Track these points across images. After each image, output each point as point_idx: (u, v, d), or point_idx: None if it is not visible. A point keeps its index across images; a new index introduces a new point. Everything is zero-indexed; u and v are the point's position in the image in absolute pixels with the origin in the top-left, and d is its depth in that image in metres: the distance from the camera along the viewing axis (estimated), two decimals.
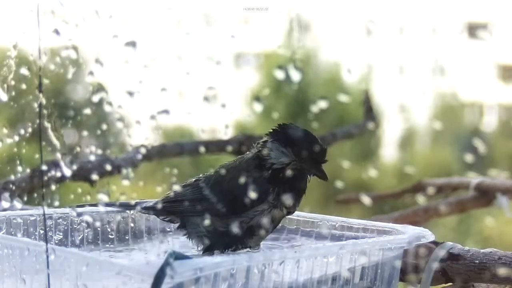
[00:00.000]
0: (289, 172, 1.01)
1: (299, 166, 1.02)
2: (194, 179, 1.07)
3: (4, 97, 0.94)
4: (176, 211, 1.05)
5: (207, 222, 1.00)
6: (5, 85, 0.93)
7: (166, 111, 0.86)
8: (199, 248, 1.04)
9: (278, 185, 1.02)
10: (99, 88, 0.87)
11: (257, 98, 0.90)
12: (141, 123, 0.89)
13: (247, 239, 1.02)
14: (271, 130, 1.04)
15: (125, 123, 0.88)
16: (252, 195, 0.99)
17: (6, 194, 1.02)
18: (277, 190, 1.02)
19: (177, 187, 1.05)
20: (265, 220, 1.01)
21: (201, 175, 1.07)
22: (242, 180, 1.00)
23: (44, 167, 0.89)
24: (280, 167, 1.02)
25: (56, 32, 0.85)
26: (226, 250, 1.02)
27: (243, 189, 0.99)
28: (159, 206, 1.05)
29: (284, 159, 1.02)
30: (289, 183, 1.02)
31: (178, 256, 0.79)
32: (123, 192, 1.03)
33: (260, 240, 1.05)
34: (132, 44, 0.85)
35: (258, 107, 0.89)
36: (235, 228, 1.00)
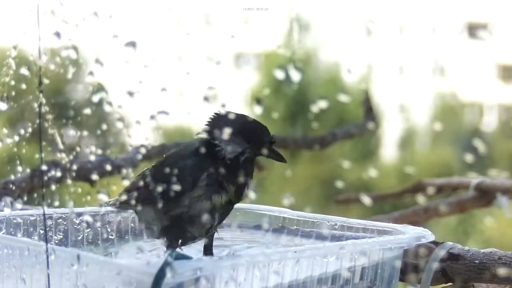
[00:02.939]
0: (244, 160, 0.98)
1: (253, 152, 0.99)
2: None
3: (4, 107, 0.94)
4: (126, 203, 1.01)
5: (149, 213, 0.98)
6: (5, 95, 0.93)
7: (164, 112, 0.86)
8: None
9: (215, 169, 0.97)
10: (99, 88, 0.87)
11: (257, 101, 0.89)
12: (141, 123, 0.89)
13: (197, 230, 0.99)
14: (210, 120, 1.00)
15: (125, 123, 0.88)
16: (182, 180, 0.94)
17: (8, 199, 1.02)
18: (214, 174, 0.97)
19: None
20: (205, 207, 0.97)
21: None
22: (175, 165, 0.95)
23: (44, 167, 0.89)
24: (234, 156, 0.98)
25: (57, 35, 0.85)
26: (183, 245, 0.99)
27: (176, 175, 0.93)
28: (121, 198, 1.02)
29: (237, 148, 0.98)
30: (230, 167, 0.98)
31: (178, 256, 0.79)
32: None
33: (212, 231, 1.02)
34: (132, 44, 0.85)
35: (258, 110, 0.89)
36: (177, 219, 0.97)
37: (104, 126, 0.91)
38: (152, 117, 0.86)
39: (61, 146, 0.91)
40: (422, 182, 2.11)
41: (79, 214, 1.08)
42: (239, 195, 1.00)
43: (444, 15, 8.34)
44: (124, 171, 1.54)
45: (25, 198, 1.28)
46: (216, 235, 1.05)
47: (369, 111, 2.55)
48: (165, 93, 0.89)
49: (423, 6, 8.29)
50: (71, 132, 0.94)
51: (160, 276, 0.77)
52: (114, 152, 1.53)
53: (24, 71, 0.91)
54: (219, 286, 0.84)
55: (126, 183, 1.03)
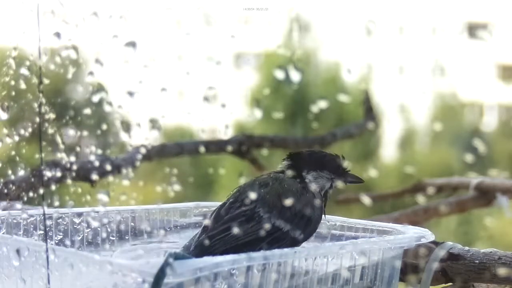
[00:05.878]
0: (332, 190, 1.08)
1: (335, 183, 1.08)
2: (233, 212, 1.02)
3: (4, 116, 0.94)
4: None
5: None
6: (5, 104, 0.93)
7: (161, 116, 0.86)
8: None
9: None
10: (99, 88, 0.87)
11: (257, 103, 0.90)
12: (140, 124, 0.89)
13: None
14: (293, 161, 1.07)
15: (125, 123, 0.88)
16: (318, 215, 1.04)
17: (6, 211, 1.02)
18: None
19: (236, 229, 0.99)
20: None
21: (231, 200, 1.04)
22: (307, 202, 1.03)
23: (44, 167, 0.89)
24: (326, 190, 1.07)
25: (57, 35, 0.85)
26: None
27: (312, 212, 1.03)
28: (208, 244, 0.99)
29: (326, 183, 1.07)
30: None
31: (178, 256, 0.79)
32: (123, 192, 1.03)
33: None
34: (132, 44, 0.85)
35: (258, 113, 0.89)
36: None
37: (104, 126, 0.91)
38: (154, 124, 0.86)
39: (61, 146, 0.91)
40: (422, 182, 2.10)
41: (79, 214, 1.08)
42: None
43: (444, 15, 8.34)
44: (124, 171, 1.54)
45: (25, 198, 1.28)
46: None
47: (369, 111, 2.55)
48: (165, 93, 0.89)
49: (423, 6, 8.29)
50: (71, 132, 0.94)
51: (160, 276, 0.77)
52: (114, 152, 1.52)
53: (24, 71, 0.91)
54: (219, 286, 0.84)
55: (126, 183, 1.02)
